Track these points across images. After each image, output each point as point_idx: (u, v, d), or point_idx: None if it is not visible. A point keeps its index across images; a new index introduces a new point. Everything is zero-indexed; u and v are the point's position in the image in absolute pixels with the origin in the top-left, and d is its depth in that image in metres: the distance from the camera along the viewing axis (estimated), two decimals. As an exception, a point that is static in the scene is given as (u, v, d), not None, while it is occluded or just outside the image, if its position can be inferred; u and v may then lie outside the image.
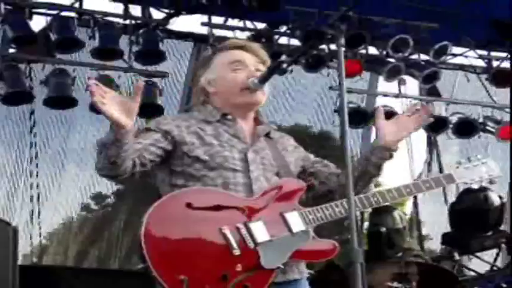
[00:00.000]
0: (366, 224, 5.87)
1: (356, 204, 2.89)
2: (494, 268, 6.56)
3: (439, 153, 8.67)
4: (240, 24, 7.38)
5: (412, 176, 8.65)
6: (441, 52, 7.57)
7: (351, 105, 7.35)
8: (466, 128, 7.95)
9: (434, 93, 7.95)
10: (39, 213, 8.20)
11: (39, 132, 8.10)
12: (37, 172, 8.22)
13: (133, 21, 6.96)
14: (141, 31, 6.91)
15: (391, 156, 3.08)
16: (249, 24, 7.42)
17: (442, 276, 5.25)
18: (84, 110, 6.83)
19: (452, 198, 7.06)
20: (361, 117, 7.24)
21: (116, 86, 6.69)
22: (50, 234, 10.63)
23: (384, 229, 5.61)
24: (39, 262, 9.67)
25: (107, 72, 6.80)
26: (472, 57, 8.17)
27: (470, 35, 7.72)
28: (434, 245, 9.10)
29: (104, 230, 10.85)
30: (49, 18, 6.68)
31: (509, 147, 6.80)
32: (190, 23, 7.48)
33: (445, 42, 7.50)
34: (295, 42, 7.36)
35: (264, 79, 3.00)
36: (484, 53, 8.17)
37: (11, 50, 6.65)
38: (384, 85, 8.05)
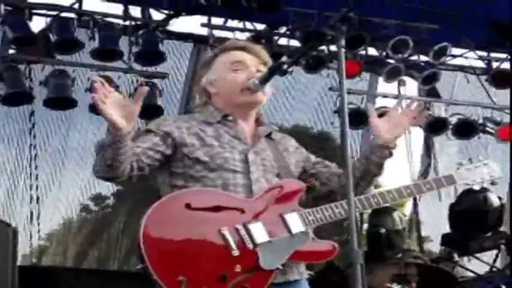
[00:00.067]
0: (365, 226, 5.87)
1: (356, 205, 2.89)
2: (494, 269, 6.56)
3: (435, 154, 8.68)
4: (240, 25, 7.38)
5: (412, 176, 8.65)
6: (441, 53, 7.57)
7: (350, 106, 7.35)
8: (466, 129, 7.95)
9: (433, 94, 7.95)
10: (38, 213, 8.20)
11: (39, 131, 8.10)
12: (36, 173, 8.22)
13: (133, 22, 6.96)
14: (140, 32, 6.91)
15: (390, 154, 3.08)
16: (248, 25, 7.42)
17: (442, 277, 5.25)
18: (84, 110, 6.83)
19: (449, 197, 7.06)
20: (360, 118, 7.24)
21: (115, 86, 6.70)
22: (50, 235, 10.64)
23: (383, 230, 5.60)
24: (38, 263, 9.67)
25: (106, 73, 6.80)
26: (471, 58, 8.18)
27: (470, 36, 7.73)
28: (434, 246, 9.10)
29: (104, 231, 10.85)
30: (49, 19, 6.68)
31: (510, 149, 6.80)
32: (190, 24, 7.49)
33: (444, 43, 7.50)
34: (294, 43, 7.37)
35: (264, 80, 3.00)
36: (483, 54, 8.17)
37: (11, 51, 6.66)
38: (383, 86, 8.06)
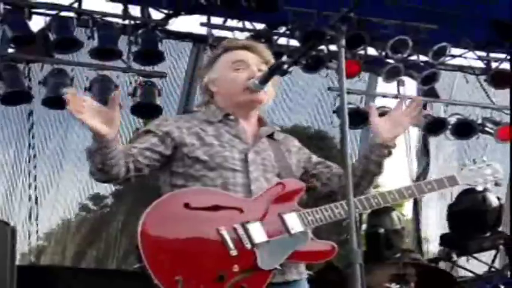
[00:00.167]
0: (364, 226, 5.86)
1: (356, 206, 2.89)
2: (492, 269, 6.56)
3: (429, 154, 8.69)
4: (239, 24, 7.37)
5: (411, 176, 8.65)
6: (440, 53, 7.57)
7: (350, 106, 7.34)
8: (465, 129, 7.94)
9: (432, 94, 7.95)
10: (37, 213, 8.20)
11: (38, 131, 8.09)
12: (35, 173, 8.21)
13: (132, 22, 6.94)
14: (140, 31, 6.90)
15: (390, 153, 3.07)
16: (248, 24, 7.41)
17: (440, 277, 5.25)
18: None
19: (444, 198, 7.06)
20: (360, 118, 7.24)
21: (114, 86, 6.69)
22: (48, 234, 10.62)
23: (382, 230, 5.60)
24: (37, 262, 9.66)
25: (105, 72, 6.80)
26: (471, 58, 8.16)
27: (470, 36, 7.72)
28: (433, 246, 9.09)
29: (102, 230, 10.84)
30: (48, 18, 6.66)
31: (510, 149, 6.79)
32: (189, 23, 7.49)
33: (444, 44, 7.50)
34: (294, 43, 7.37)
35: (264, 80, 3.00)
36: (483, 54, 8.16)
37: (10, 50, 6.64)
38: (382, 86, 8.05)
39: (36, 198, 8.22)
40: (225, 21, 7.34)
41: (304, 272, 3.00)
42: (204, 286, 2.68)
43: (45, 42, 6.62)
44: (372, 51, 7.68)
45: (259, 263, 2.74)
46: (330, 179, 3.11)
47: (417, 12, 7.18)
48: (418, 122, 7.27)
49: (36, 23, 6.64)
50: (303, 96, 8.83)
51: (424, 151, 8.77)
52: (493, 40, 7.82)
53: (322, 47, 7.28)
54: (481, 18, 7.18)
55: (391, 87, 7.87)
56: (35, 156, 8.13)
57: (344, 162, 2.61)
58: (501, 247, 6.55)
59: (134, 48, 6.81)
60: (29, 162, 8.15)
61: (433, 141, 8.71)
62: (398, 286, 4.87)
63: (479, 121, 8.02)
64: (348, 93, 7.12)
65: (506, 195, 7.17)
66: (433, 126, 7.90)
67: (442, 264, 6.38)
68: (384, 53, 7.54)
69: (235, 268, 2.72)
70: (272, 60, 3.12)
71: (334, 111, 7.49)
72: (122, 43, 6.81)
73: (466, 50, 8.06)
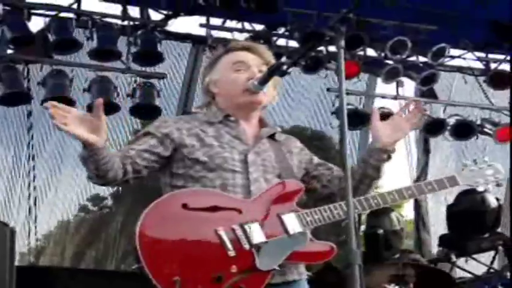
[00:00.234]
0: (363, 226, 5.87)
1: (356, 206, 2.89)
2: (491, 270, 6.55)
3: (429, 154, 8.69)
4: (239, 25, 7.37)
5: (411, 177, 8.65)
6: (439, 54, 7.57)
7: (349, 107, 7.34)
8: (464, 130, 7.94)
9: (431, 95, 7.95)
10: (36, 214, 8.20)
11: (37, 133, 8.09)
12: (34, 173, 8.21)
13: (131, 22, 6.94)
14: (139, 32, 6.90)
15: (389, 158, 3.07)
16: (247, 25, 7.41)
17: (439, 278, 5.24)
18: (82, 110, 6.82)
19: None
20: (359, 119, 7.24)
21: (113, 87, 6.70)
22: (47, 235, 10.62)
23: (381, 231, 5.60)
24: (36, 263, 9.66)
25: (104, 73, 6.80)
26: (470, 59, 8.17)
27: (469, 37, 7.73)
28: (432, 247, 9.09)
29: (101, 231, 10.84)
30: (47, 19, 6.66)
31: (509, 149, 6.79)
32: (188, 24, 7.49)
33: (443, 44, 7.50)
34: (293, 44, 7.37)
35: (263, 81, 3.00)
36: (482, 55, 8.17)
37: (9, 51, 6.64)
38: (382, 87, 8.06)
39: (36, 199, 8.22)
40: (224, 22, 7.35)
41: (304, 272, 3.00)
42: (201, 287, 2.68)
43: (44, 43, 6.62)
44: (371, 52, 7.68)
45: (258, 264, 2.74)
46: (330, 181, 3.11)
47: (416, 13, 7.18)
48: (419, 127, 7.29)
49: (36, 24, 6.65)
50: (302, 96, 8.83)
51: (424, 151, 8.76)
52: (492, 41, 7.82)
53: (322, 48, 7.28)
54: (480, 19, 7.18)
55: (390, 88, 7.89)
56: (34, 156, 8.14)
57: (343, 163, 2.61)
58: (500, 248, 6.55)
59: (133, 49, 6.81)
60: (28, 162, 8.15)
61: (431, 142, 8.71)
62: (397, 287, 4.87)
63: (478, 122, 8.03)
64: (347, 94, 7.12)
65: (506, 196, 7.15)
66: (432, 127, 7.90)
67: (441, 265, 6.38)
68: (383, 54, 7.54)
69: (234, 269, 2.72)
70: (273, 62, 3.13)
71: (333, 112, 7.49)
72: (121, 44, 6.81)
73: (465, 51, 8.07)
